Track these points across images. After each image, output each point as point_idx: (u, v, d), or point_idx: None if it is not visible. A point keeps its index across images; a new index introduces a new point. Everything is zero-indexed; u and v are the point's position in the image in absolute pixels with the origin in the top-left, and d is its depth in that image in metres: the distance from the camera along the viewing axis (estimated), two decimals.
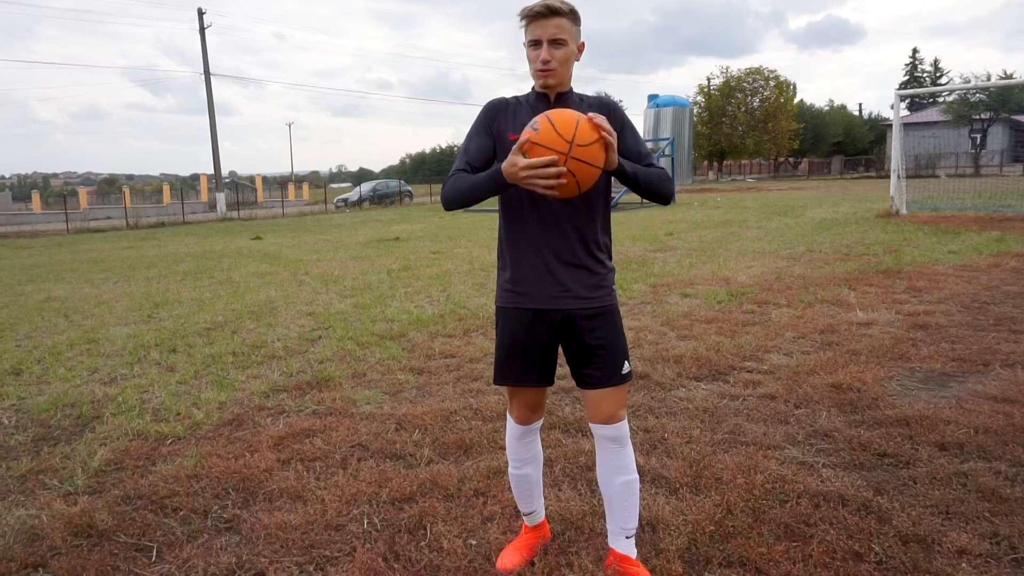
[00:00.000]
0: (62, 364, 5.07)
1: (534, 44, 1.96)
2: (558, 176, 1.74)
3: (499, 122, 2.04)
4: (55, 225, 27.04)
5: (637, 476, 2.14)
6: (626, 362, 2.09)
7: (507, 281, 2.10)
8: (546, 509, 2.59)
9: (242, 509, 2.75)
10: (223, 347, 5.36)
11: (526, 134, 1.78)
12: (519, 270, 2.07)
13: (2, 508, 2.82)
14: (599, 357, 2.05)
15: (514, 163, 1.77)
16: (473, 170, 1.99)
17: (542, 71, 1.97)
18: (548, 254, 2.02)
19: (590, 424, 2.14)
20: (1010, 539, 2.30)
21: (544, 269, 2.03)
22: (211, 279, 9.50)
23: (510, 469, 2.30)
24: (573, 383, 4.03)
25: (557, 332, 2.08)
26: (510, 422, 2.25)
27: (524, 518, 2.38)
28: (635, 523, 2.15)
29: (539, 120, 1.79)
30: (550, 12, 1.93)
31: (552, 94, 2.03)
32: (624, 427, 2.10)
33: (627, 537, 2.15)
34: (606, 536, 2.24)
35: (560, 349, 2.14)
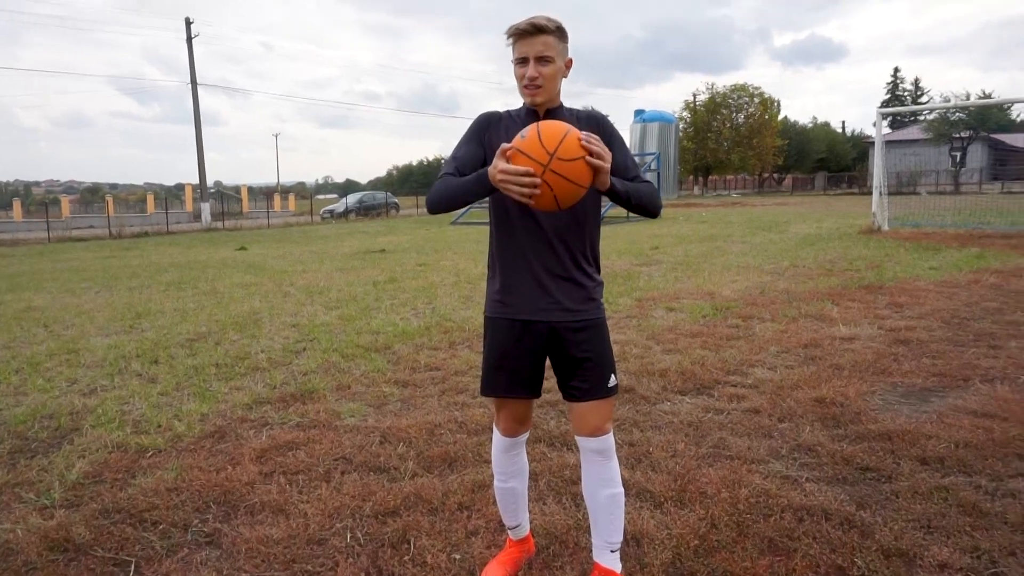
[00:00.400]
0: (41, 375, 4.99)
1: (521, 62, 1.98)
2: (533, 187, 1.73)
3: (490, 134, 2.06)
4: (36, 234, 26.74)
5: (622, 490, 2.15)
6: (613, 375, 2.10)
7: (496, 292, 2.11)
8: (531, 523, 2.58)
9: (223, 523, 2.71)
10: (206, 358, 5.30)
11: (515, 140, 1.79)
12: (508, 281, 2.07)
13: None
14: (586, 370, 2.06)
15: (495, 166, 1.78)
16: (460, 175, 1.99)
17: (528, 88, 1.98)
18: (537, 266, 2.03)
19: (576, 437, 2.14)
20: (991, 553, 2.32)
21: (533, 281, 2.04)
22: (195, 289, 9.42)
23: (496, 482, 2.29)
24: (558, 396, 4.03)
25: (545, 344, 2.08)
26: (496, 435, 2.24)
27: (509, 532, 2.37)
28: (620, 537, 2.15)
29: (529, 128, 1.80)
30: (536, 30, 1.94)
31: (541, 111, 2.05)
32: (610, 440, 2.11)
33: (612, 551, 2.15)
34: (591, 550, 2.24)
35: (548, 362, 2.15)
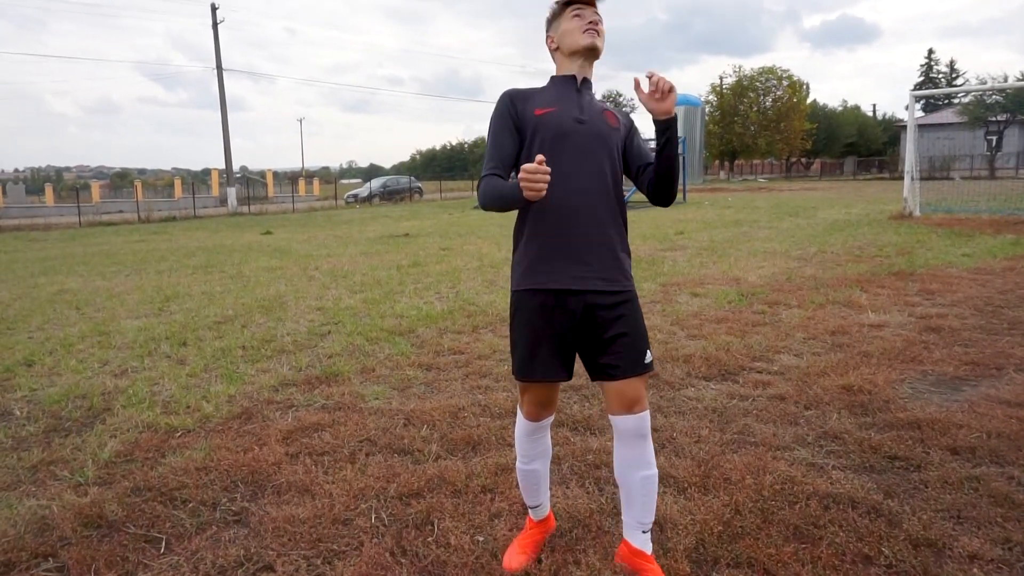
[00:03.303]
0: (73, 356, 5.11)
1: (578, 15, 2.02)
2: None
3: (520, 106, 2.03)
4: (68, 218, 27.24)
5: (656, 471, 2.11)
6: (648, 351, 2.08)
7: (529, 262, 2.03)
8: (554, 507, 2.58)
9: (250, 502, 2.76)
10: (233, 341, 5.38)
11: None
12: (544, 250, 2.00)
13: (13, 498, 2.84)
14: (624, 346, 2.01)
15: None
16: (505, 170, 2.00)
17: (589, 31, 2.00)
18: (576, 233, 1.98)
19: (612, 417, 2.07)
20: (1022, 545, 2.27)
21: (570, 248, 1.98)
22: (221, 273, 9.54)
23: (518, 464, 2.29)
24: (581, 382, 4.02)
25: (577, 323, 2.02)
26: (520, 418, 2.23)
27: (530, 512, 2.37)
28: (652, 518, 2.13)
29: None
30: (592, 1, 2.06)
31: (592, 62, 2.05)
32: (647, 419, 2.06)
33: (643, 532, 2.13)
34: (621, 530, 2.23)
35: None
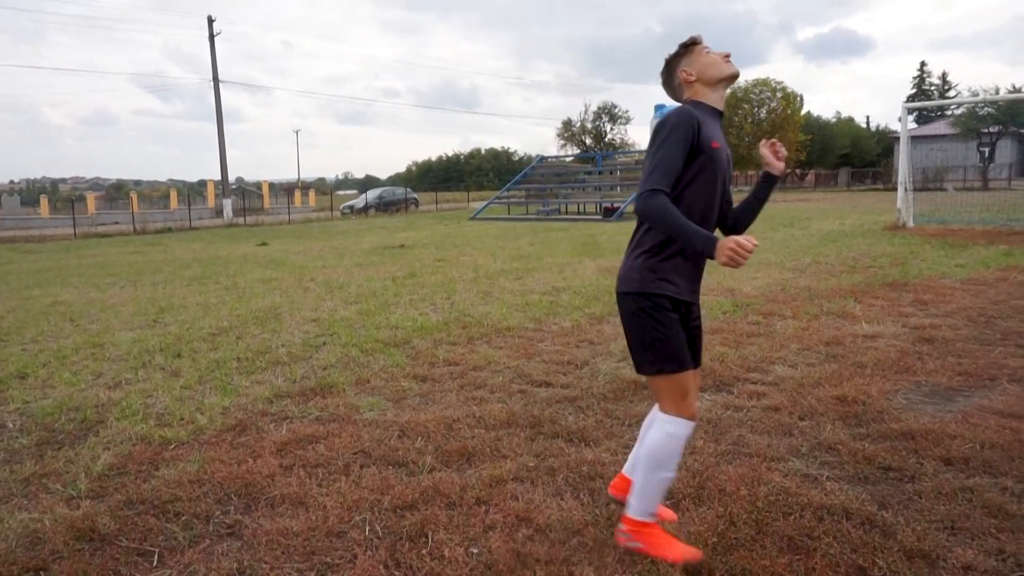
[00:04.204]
0: (67, 368, 5.09)
1: (708, 50, 2.34)
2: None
3: (702, 133, 2.19)
4: (63, 230, 27.19)
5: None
6: None
7: (667, 272, 2.25)
8: (548, 519, 2.58)
9: (244, 515, 2.74)
10: (228, 352, 5.37)
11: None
12: (678, 268, 2.26)
13: (5, 511, 2.83)
14: (697, 339, 2.42)
15: (729, 247, 1.98)
16: (670, 188, 2.13)
17: (729, 59, 2.33)
18: (702, 260, 2.29)
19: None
20: (1016, 556, 2.28)
21: (693, 271, 2.31)
22: (217, 284, 9.53)
23: (665, 473, 2.30)
24: (576, 393, 4.02)
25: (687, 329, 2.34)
26: (683, 424, 2.27)
27: (650, 516, 2.36)
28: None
29: None
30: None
31: (722, 100, 2.35)
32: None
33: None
34: (616, 541, 2.24)
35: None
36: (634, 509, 2.34)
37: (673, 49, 2.39)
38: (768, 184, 2.45)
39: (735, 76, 2.34)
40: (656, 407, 2.37)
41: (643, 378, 4.24)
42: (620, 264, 2.38)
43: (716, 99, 2.32)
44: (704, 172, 2.20)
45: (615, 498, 2.67)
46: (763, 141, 2.44)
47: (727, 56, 2.35)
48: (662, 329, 2.23)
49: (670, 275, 2.25)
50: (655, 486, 2.31)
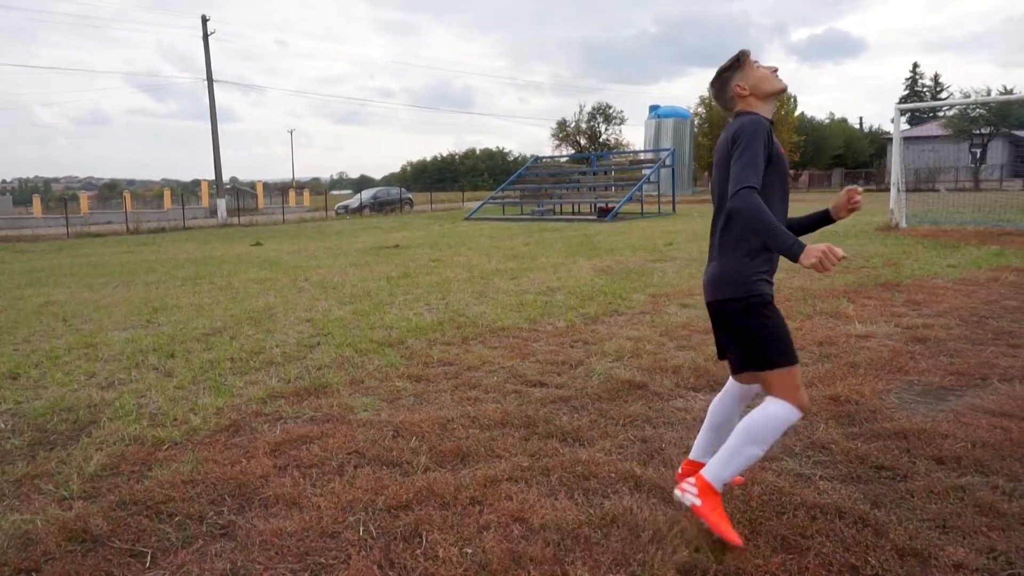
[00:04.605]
0: (60, 368, 5.06)
1: (758, 64, 2.46)
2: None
3: (773, 140, 2.34)
4: (56, 229, 27.06)
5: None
6: None
7: (766, 272, 2.41)
8: (542, 519, 2.59)
9: (238, 515, 2.74)
10: (221, 353, 5.35)
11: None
12: (771, 269, 2.44)
13: None
14: None
15: (822, 251, 2.08)
16: (760, 186, 2.23)
17: (778, 73, 2.46)
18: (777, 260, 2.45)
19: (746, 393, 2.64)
20: (1007, 554, 2.29)
21: (775, 267, 2.47)
22: (211, 284, 9.50)
23: (756, 452, 2.38)
24: (571, 393, 4.02)
25: None
26: (794, 410, 2.34)
27: (722, 484, 2.44)
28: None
29: None
30: None
31: (773, 111, 2.49)
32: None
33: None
34: (611, 539, 2.23)
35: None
36: (711, 472, 2.41)
37: (725, 62, 2.52)
38: (823, 222, 2.65)
39: (784, 90, 2.46)
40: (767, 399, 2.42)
41: (636, 378, 4.27)
42: (707, 270, 2.49)
43: (767, 111, 2.46)
44: (775, 176, 2.35)
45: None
46: (849, 187, 2.53)
47: (775, 70, 2.47)
48: (776, 325, 2.36)
49: (767, 276, 2.41)
50: (742, 458, 2.38)
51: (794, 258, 2.12)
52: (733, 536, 2.33)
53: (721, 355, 2.65)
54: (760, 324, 2.36)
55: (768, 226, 2.17)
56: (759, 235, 2.22)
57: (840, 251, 2.09)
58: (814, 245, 2.09)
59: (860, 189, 2.49)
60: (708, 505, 2.37)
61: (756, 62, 2.48)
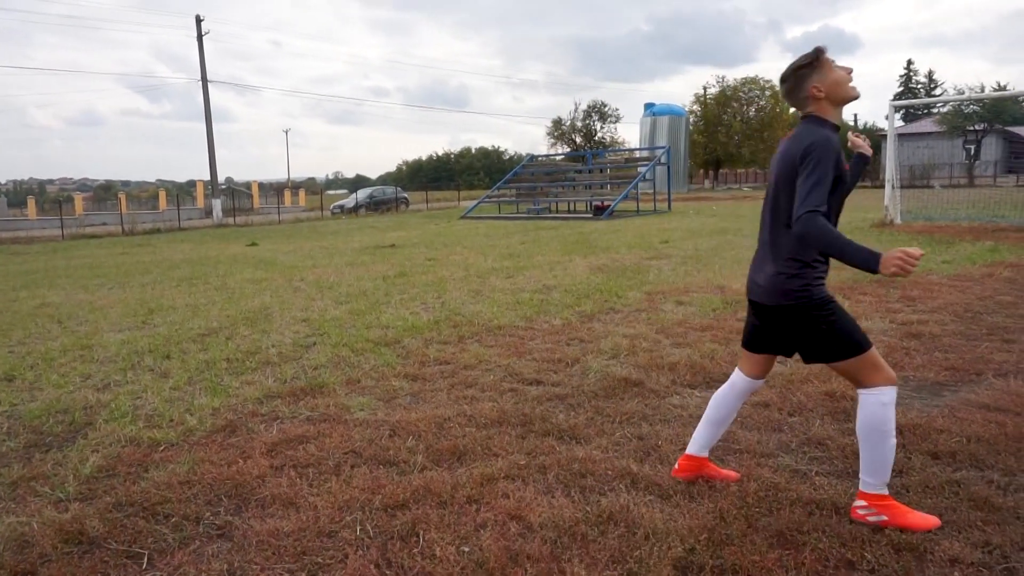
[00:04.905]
0: (55, 370, 5.05)
1: (837, 65, 2.41)
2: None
3: (841, 158, 2.34)
4: (50, 231, 26.97)
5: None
6: None
7: (822, 275, 2.48)
8: (539, 516, 2.59)
9: (234, 516, 2.73)
10: (217, 353, 5.34)
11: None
12: (826, 272, 2.49)
13: None
14: None
15: (899, 256, 2.08)
16: (825, 207, 2.25)
17: (852, 79, 2.43)
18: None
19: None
20: (1002, 548, 2.30)
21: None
22: (206, 285, 9.48)
23: (892, 441, 2.40)
24: (567, 391, 4.03)
25: None
26: (887, 391, 2.38)
27: (885, 487, 2.46)
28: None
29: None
30: None
31: (841, 116, 2.47)
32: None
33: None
34: (609, 539, 2.23)
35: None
36: (869, 484, 2.45)
37: (799, 58, 2.46)
38: (863, 164, 2.75)
39: (856, 99, 2.45)
40: (861, 395, 2.46)
41: (632, 375, 4.28)
42: (759, 270, 2.53)
43: (837, 116, 2.44)
44: (837, 191, 2.37)
45: (682, 480, 2.81)
46: (852, 133, 2.70)
47: (850, 72, 2.43)
48: (841, 319, 2.41)
49: (823, 277, 2.48)
50: (885, 455, 2.41)
51: (872, 271, 2.12)
52: (928, 520, 2.40)
53: (747, 343, 2.71)
54: (828, 322, 2.41)
55: (839, 247, 2.20)
56: (831, 256, 2.27)
57: (917, 251, 2.09)
58: (889, 253, 2.09)
59: (860, 133, 2.62)
60: (890, 512, 2.42)
61: (833, 61, 2.41)
